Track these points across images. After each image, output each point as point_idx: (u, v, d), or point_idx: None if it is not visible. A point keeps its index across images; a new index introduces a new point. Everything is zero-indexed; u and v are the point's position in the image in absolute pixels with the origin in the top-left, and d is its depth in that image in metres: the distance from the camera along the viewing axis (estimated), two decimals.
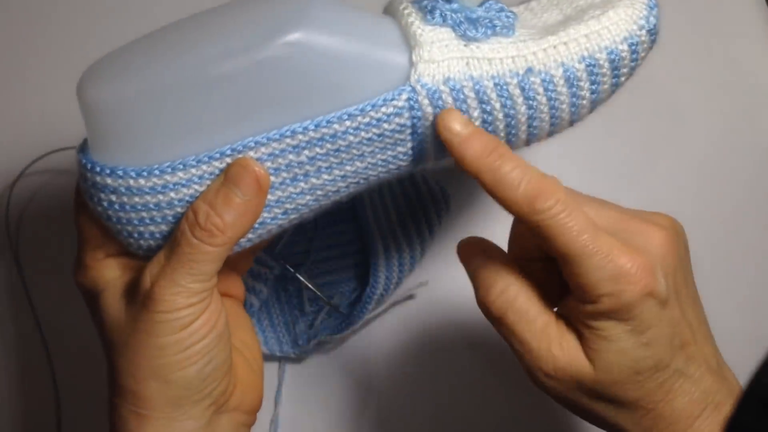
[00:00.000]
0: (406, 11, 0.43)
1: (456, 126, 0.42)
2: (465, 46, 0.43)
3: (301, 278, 0.60)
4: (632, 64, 0.44)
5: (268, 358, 0.60)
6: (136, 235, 0.43)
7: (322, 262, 0.61)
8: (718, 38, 0.66)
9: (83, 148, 0.43)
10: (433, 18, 0.43)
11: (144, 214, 0.42)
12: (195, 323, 0.42)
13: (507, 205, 0.42)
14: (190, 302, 0.42)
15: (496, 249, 0.45)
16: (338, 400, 0.60)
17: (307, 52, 0.40)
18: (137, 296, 0.42)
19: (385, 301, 0.60)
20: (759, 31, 0.67)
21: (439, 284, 0.62)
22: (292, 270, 0.60)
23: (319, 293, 0.60)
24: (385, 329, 0.61)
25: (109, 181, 0.41)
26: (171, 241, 0.42)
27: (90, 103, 0.41)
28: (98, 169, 0.41)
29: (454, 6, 0.43)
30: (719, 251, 0.61)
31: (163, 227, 0.43)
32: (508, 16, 0.43)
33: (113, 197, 0.42)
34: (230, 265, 0.48)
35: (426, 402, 0.60)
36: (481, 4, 0.44)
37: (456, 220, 0.61)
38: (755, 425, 0.42)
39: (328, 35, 0.41)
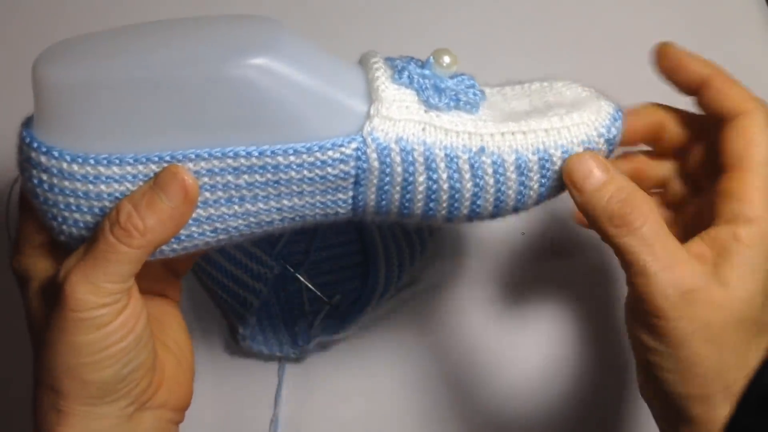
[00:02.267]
0: (375, 65, 0.44)
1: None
2: (425, 111, 0.43)
3: (301, 278, 0.60)
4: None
5: (268, 358, 0.60)
6: (59, 219, 0.43)
7: (322, 262, 0.61)
8: (718, 38, 0.66)
9: (28, 122, 0.43)
10: (401, 78, 0.43)
11: (71, 200, 0.42)
12: (111, 325, 0.41)
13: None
14: (103, 302, 0.41)
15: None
16: (338, 400, 0.60)
17: (268, 77, 0.40)
18: (53, 290, 0.42)
19: (385, 301, 0.60)
20: (759, 31, 0.67)
21: (439, 284, 0.62)
22: (292, 270, 0.60)
23: (319, 293, 0.60)
24: (385, 329, 0.61)
25: (42, 159, 0.41)
26: (91, 237, 0.42)
27: (41, 81, 0.41)
28: (35, 145, 0.41)
29: (426, 72, 0.44)
30: None
31: (88, 218, 0.42)
32: (475, 94, 0.44)
33: (44, 176, 0.41)
34: (168, 266, 0.49)
35: (426, 402, 0.60)
36: (453, 77, 0.44)
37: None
38: (755, 425, 0.42)
39: (292, 66, 0.41)
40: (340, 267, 0.62)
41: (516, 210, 0.45)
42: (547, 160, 0.43)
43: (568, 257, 0.62)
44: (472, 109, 0.44)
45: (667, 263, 0.41)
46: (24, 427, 0.62)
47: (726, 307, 0.42)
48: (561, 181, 0.44)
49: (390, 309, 0.61)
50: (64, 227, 0.43)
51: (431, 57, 0.44)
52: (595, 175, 0.43)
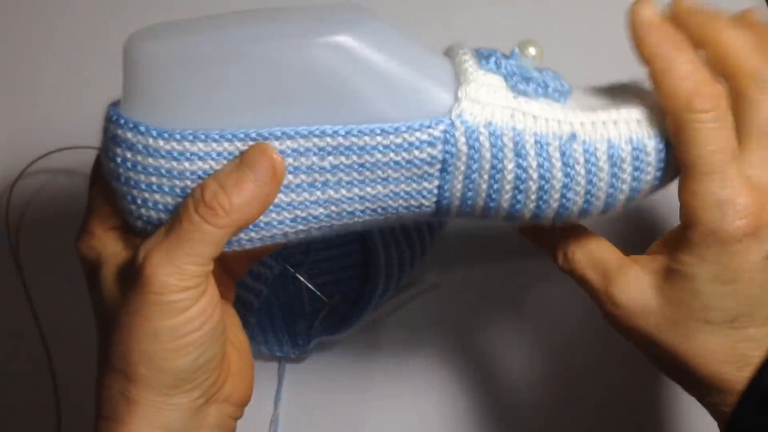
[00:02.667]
0: (461, 51, 0.43)
1: (647, 11, 0.42)
2: (513, 97, 0.42)
3: (301, 278, 0.60)
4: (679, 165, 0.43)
5: (268, 358, 0.60)
6: (139, 200, 0.42)
7: (322, 262, 0.61)
8: None
9: (116, 103, 0.42)
10: (488, 63, 0.43)
11: (153, 178, 0.41)
12: (191, 310, 0.41)
13: (666, 95, 0.41)
14: (185, 285, 0.40)
15: None
16: (338, 400, 0.60)
17: (351, 57, 0.40)
18: (132, 273, 0.41)
19: (385, 301, 0.60)
20: None
21: (439, 284, 0.61)
22: (292, 270, 0.60)
23: (319, 293, 0.60)
24: (385, 329, 0.61)
25: (129, 135, 0.41)
26: (172, 217, 0.41)
27: (132, 57, 0.40)
28: (122, 121, 0.41)
29: (511, 61, 0.43)
30: None
31: (168, 199, 0.42)
32: (563, 84, 0.43)
33: (128, 154, 0.41)
34: (225, 266, 0.48)
35: (426, 402, 0.60)
36: (539, 70, 0.44)
37: (457, 219, 0.61)
38: (755, 425, 0.42)
39: (380, 46, 0.40)
40: (340, 267, 0.62)
41: (606, 208, 0.43)
42: (641, 151, 0.42)
43: None
44: (561, 97, 0.43)
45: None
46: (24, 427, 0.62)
47: (661, 313, 0.43)
48: (654, 177, 0.42)
49: (390, 309, 0.61)
50: (143, 210, 0.42)
51: (516, 48, 0.44)
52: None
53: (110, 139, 0.42)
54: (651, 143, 0.42)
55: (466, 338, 0.61)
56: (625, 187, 0.42)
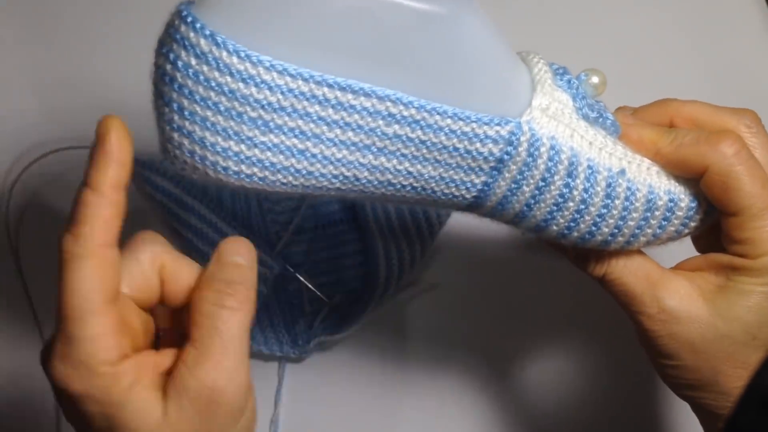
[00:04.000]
0: (540, 61, 0.44)
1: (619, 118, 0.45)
2: (577, 119, 0.43)
3: (301, 278, 0.60)
4: (701, 223, 0.45)
5: (268, 358, 0.60)
6: (187, 112, 0.39)
7: (322, 262, 0.61)
8: (718, 38, 0.66)
9: (188, 1, 0.39)
10: (561, 80, 0.43)
11: (212, 94, 0.39)
12: (246, 410, 0.41)
13: (694, 159, 0.43)
14: (246, 388, 0.40)
15: None
16: (338, 399, 0.60)
17: (450, 32, 0.39)
18: (186, 399, 0.38)
19: (385, 301, 0.60)
20: (759, 31, 0.67)
21: (439, 284, 0.62)
22: (292, 270, 0.60)
23: (319, 293, 0.60)
24: (385, 329, 0.61)
25: (201, 41, 0.38)
26: (199, 330, 0.39)
27: None
28: (197, 24, 0.38)
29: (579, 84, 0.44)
30: None
31: (220, 119, 0.39)
32: (614, 121, 0.45)
33: (194, 60, 0.38)
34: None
35: (426, 402, 0.60)
36: (595, 98, 0.45)
37: (457, 219, 0.61)
38: (755, 425, 0.42)
39: (482, 31, 0.40)
40: (340, 267, 0.62)
41: (625, 246, 0.45)
42: (675, 204, 0.44)
43: None
44: (615, 132, 0.44)
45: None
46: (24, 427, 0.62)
47: (710, 324, 0.44)
48: (676, 230, 0.44)
49: (390, 309, 0.61)
50: (187, 123, 0.39)
51: (583, 74, 0.45)
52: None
53: (175, 39, 0.39)
54: (686, 200, 0.44)
55: (466, 338, 0.61)
56: (649, 231, 0.44)
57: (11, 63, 0.66)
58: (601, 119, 0.44)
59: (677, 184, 0.44)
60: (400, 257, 0.60)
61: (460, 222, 0.62)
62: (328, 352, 0.61)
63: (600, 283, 0.46)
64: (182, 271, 0.42)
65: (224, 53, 0.38)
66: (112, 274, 0.39)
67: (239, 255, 0.41)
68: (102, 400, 0.38)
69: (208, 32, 0.38)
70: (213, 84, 0.39)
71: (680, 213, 0.44)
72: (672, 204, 0.44)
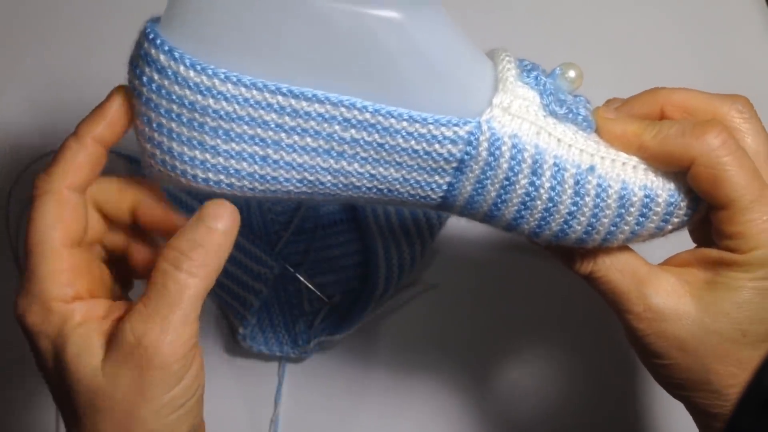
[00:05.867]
0: (506, 59, 0.43)
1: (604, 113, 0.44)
2: (544, 116, 0.42)
3: (301, 278, 0.60)
4: (684, 218, 0.44)
5: (268, 358, 0.60)
6: (155, 124, 0.41)
7: (322, 262, 0.61)
8: (718, 38, 0.66)
9: (155, 19, 0.41)
10: (528, 77, 0.43)
11: (174, 106, 0.41)
12: (187, 377, 0.40)
13: (683, 151, 0.42)
14: (185, 351, 0.40)
15: None
16: (338, 400, 0.60)
17: (403, 36, 0.39)
18: (121, 352, 0.39)
19: (385, 301, 0.60)
20: (759, 31, 0.67)
21: (439, 284, 0.62)
22: (292, 270, 0.60)
23: (319, 293, 0.60)
24: (384, 329, 0.61)
25: (161, 57, 0.40)
26: (151, 289, 0.40)
27: None
28: (158, 41, 0.40)
29: (550, 80, 0.44)
30: None
31: (184, 129, 0.41)
32: (591, 117, 0.44)
33: (156, 75, 0.40)
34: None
35: (425, 402, 0.60)
36: (572, 93, 0.44)
37: (457, 219, 0.61)
38: (755, 425, 0.42)
39: (429, 33, 0.40)
40: (340, 267, 0.62)
41: (603, 243, 0.44)
42: (651, 200, 0.42)
43: None
44: (588, 128, 0.43)
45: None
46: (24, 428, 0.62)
47: (699, 321, 0.43)
48: (656, 226, 0.43)
49: (390, 309, 0.61)
50: (156, 134, 0.41)
51: (558, 68, 0.44)
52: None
53: (142, 56, 0.41)
54: (663, 195, 0.42)
55: (466, 338, 0.61)
56: (626, 228, 0.43)
57: (11, 63, 0.66)
58: (571, 115, 0.43)
59: (655, 179, 0.42)
60: (400, 257, 0.60)
61: (461, 222, 0.61)
62: (328, 352, 0.61)
63: (587, 281, 0.46)
64: (156, 208, 0.44)
65: (182, 67, 0.40)
66: (74, 217, 0.41)
67: (217, 219, 0.41)
68: (51, 336, 0.40)
69: (167, 48, 0.40)
70: (174, 97, 0.40)
71: (658, 209, 0.43)
72: (648, 200, 0.42)
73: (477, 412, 0.60)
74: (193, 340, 0.40)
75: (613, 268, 0.44)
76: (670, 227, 0.44)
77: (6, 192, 0.62)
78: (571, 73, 0.44)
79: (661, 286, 0.43)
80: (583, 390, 0.60)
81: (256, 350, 0.59)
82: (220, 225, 0.41)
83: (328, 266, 0.62)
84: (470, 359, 0.61)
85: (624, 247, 0.45)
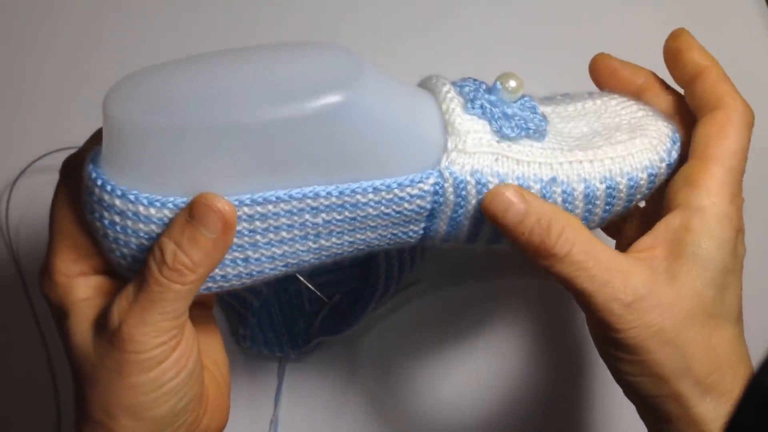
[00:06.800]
0: (448, 95, 0.43)
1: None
2: (497, 142, 0.43)
3: (301, 278, 0.60)
4: (646, 191, 0.45)
5: (268, 358, 0.60)
6: (130, 258, 0.42)
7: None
8: (718, 38, 0.66)
9: (95, 159, 0.41)
10: (473, 108, 0.43)
11: (144, 242, 0.41)
12: (167, 362, 0.41)
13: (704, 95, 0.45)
14: (161, 341, 0.41)
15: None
16: (338, 400, 0.60)
17: (351, 114, 0.39)
18: (106, 332, 0.41)
19: (385, 301, 0.60)
20: (759, 31, 0.67)
21: (439, 284, 0.61)
22: None
23: (319, 293, 0.60)
24: (385, 329, 0.61)
25: (117, 202, 0.40)
26: (140, 277, 0.41)
27: (115, 123, 0.39)
28: (108, 187, 0.40)
29: (492, 98, 0.44)
30: None
31: (133, 249, 0.42)
32: (541, 120, 0.44)
33: (117, 218, 0.41)
34: None
35: (425, 402, 0.60)
36: (516, 100, 0.44)
37: None
38: (755, 425, 0.42)
39: (373, 101, 0.40)
40: (340, 267, 0.62)
41: None
42: (614, 188, 0.44)
43: None
44: (540, 137, 0.44)
45: (604, 279, 0.41)
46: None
47: (676, 306, 0.42)
48: (623, 207, 0.45)
49: (390, 309, 0.61)
50: (135, 266, 0.42)
51: (498, 82, 0.44)
52: (515, 207, 0.42)
53: (96, 203, 0.41)
54: (623, 181, 0.44)
55: (466, 338, 0.61)
56: (596, 218, 0.45)
57: (11, 63, 0.66)
58: (523, 131, 0.43)
59: (612, 166, 0.43)
60: (400, 257, 0.60)
61: None
62: (328, 352, 0.61)
63: (558, 277, 0.43)
64: None
65: (140, 207, 0.40)
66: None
67: (206, 226, 0.40)
68: (55, 306, 0.43)
69: (94, 175, 0.40)
70: (142, 234, 0.41)
71: (621, 194, 0.44)
72: (611, 189, 0.44)
73: (477, 412, 0.60)
74: (173, 331, 0.41)
75: (590, 255, 0.42)
76: (634, 203, 0.45)
77: (6, 192, 0.62)
78: (512, 83, 0.44)
79: (638, 275, 0.42)
80: (585, 389, 0.60)
81: (256, 350, 0.59)
82: (206, 231, 0.40)
83: (328, 266, 0.61)
84: (471, 359, 0.61)
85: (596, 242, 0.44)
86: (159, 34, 0.65)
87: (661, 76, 0.48)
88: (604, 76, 0.47)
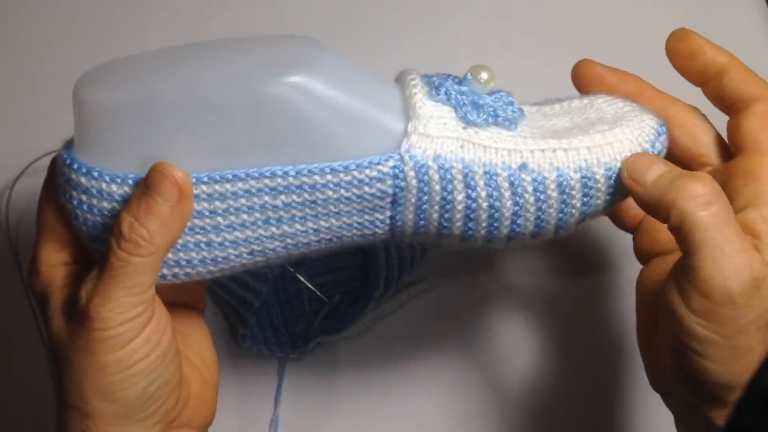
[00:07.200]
0: (412, 82, 0.43)
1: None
2: (463, 128, 0.42)
3: (301, 278, 0.60)
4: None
5: (268, 358, 0.60)
6: (99, 239, 0.43)
7: (322, 262, 0.61)
8: (718, 38, 0.66)
9: (69, 145, 0.43)
10: (438, 94, 0.43)
11: (109, 220, 0.42)
12: (136, 340, 0.41)
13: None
14: (127, 317, 0.41)
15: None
16: (338, 399, 0.60)
17: (306, 96, 0.40)
18: (76, 314, 0.42)
19: (385, 301, 0.60)
20: (759, 31, 0.67)
21: (439, 284, 0.61)
22: (292, 270, 0.60)
23: (319, 293, 0.60)
24: (385, 329, 0.61)
25: (83, 180, 0.42)
26: (102, 256, 0.41)
27: (83, 103, 0.41)
28: (75, 165, 0.42)
29: (463, 89, 0.43)
30: None
31: (99, 230, 0.43)
32: (513, 111, 0.43)
33: (84, 197, 0.42)
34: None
35: (426, 402, 0.60)
36: (491, 93, 0.44)
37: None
38: (755, 425, 0.42)
39: (330, 84, 0.41)
40: (340, 267, 0.62)
41: (558, 231, 0.44)
42: (589, 179, 0.42)
43: (569, 256, 0.62)
44: (511, 125, 0.43)
45: (740, 247, 0.39)
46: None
47: None
48: (604, 200, 0.43)
49: (390, 309, 0.61)
50: (92, 243, 0.43)
51: (468, 73, 0.44)
52: (659, 166, 0.41)
53: (65, 182, 0.43)
54: (600, 171, 0.42)
55: (466, 338, 0.61)
56: (575, 211, 0.43)
57: (10, 63, 0.66)
58: (491, 118, 0.43)
59: (588, 156, 0.42)
60: (400, 257, 0.60)
61: None
62: (328, 352, 0.61)
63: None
64: None
65: (103, 184, 0.41)
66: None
67: (161, 194, 0.41)
68: (38, 294, 0.44)
69: (84, 169, 0.42)
70: (106, 212, 0.42)
71: (599, 185, 0.43)
72: (586, 179, 0.42)
73: (477, 412, 0.60)
74: (138, 307, 0.41)
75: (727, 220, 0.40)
76: (618, 201, 0.44)
77: (6, 192, 0.62)
78: (484, 75, 0.44)
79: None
80: (585, 389, 0.60)
81: (256, 350, 0.59)
82: (161, 199, 0.41)
83: (328, 266, 0.61)
84: (471, 359, 0.61)
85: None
86: (159, 34, 0.65)
87: (655, 77, 0.48)
88: (590, 83, 0.47)
